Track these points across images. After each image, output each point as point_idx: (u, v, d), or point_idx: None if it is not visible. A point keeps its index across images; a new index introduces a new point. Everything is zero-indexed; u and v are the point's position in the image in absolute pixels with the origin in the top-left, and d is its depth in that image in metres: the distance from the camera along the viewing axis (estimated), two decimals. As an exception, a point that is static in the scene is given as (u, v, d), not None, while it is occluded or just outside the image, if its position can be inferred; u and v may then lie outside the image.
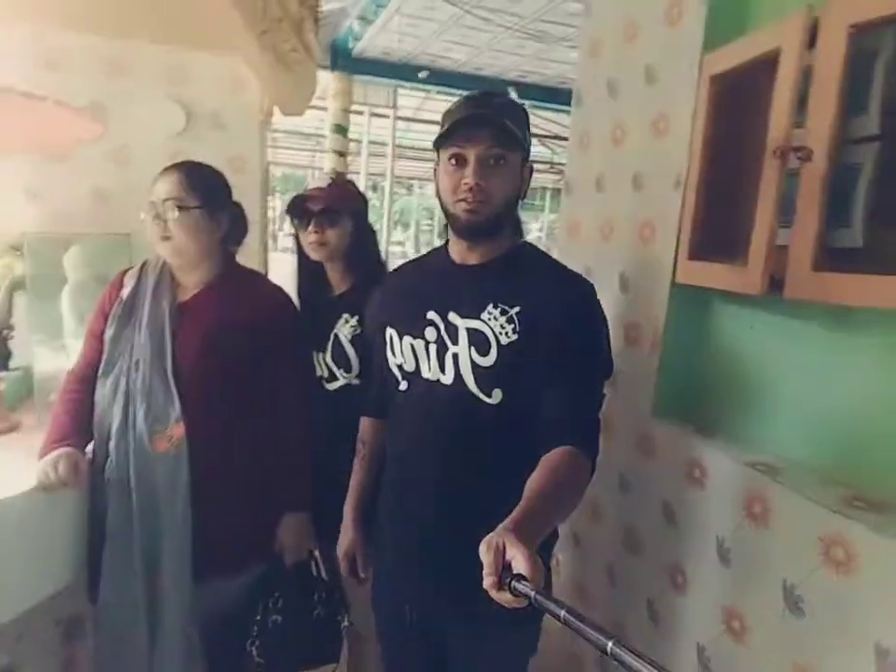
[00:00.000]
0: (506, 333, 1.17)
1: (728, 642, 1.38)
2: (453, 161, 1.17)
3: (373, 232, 1.84)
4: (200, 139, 2.39)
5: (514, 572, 0.79)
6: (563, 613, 0.73)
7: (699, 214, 1.54)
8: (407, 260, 1.52)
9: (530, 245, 1.34)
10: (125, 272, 1.63)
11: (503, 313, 1.18)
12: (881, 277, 1.09)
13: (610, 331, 1.26)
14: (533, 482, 1.02)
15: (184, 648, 1.49)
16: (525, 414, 1.17)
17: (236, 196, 1.63)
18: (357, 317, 1.67)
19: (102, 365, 1.53)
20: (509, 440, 1.20)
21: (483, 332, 1.18)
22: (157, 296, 1.54)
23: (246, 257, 1.74)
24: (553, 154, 13.02)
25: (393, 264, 1.67)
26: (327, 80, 8.28)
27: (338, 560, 1.52)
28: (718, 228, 1.51)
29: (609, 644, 0.67)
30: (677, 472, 1.56)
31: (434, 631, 1.36)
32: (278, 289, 1.66)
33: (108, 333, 1.54)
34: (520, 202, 1.25)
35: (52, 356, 1.98)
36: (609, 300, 1.25)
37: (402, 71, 9.15)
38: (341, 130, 8.74)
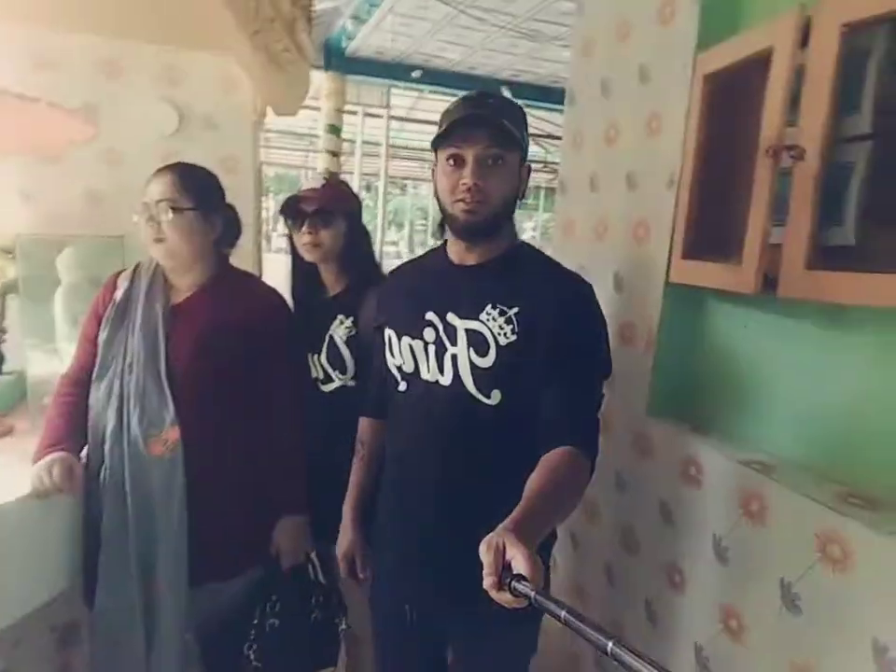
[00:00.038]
0: (504, 334, 1.17)
1: (726, 641, 1.38)
2: (451, 162, 1.17)
3: (367, 233, 1.84)
4: (192, 139, 2.38)
5: (514, 572, 0.79)
6: (563, 613, 0.73)
7: (693, 213, 1.54)
8: (405, 261, 1.52)
9: (528, 245, 1.34)
10: (118, 274, 1.62)
11: (502, 313, 1.18)
12: (874, 275, 1.09)
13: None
14: (533, 482, 1.02)
15: (180, 652, 1.49)
16: (523, 415, 1.17)
17: (229, 196, 1.62)
18: (351, 318, 1.66)
19: (96, 368, 1.53)
20: (508, 440, 1.20)
21: (481, 333, 1.18)
22: (150, 298, 1.53)
23: (240, 258, 1.73)
24: (546, 153, 13.04)
25: (387, 264, 1.66)
26: (320, 80, 8.27)
27: (335, 562, 1.52)
28: (711, 227, 1.51)
29: (610, 644, 0.67)
30: (673, 471, 1.56)
31: (434, 631, 1.36)
32: (272, 291, 1.66)
33: (102, 336, 1.54)
34: (518, 202, 1.25)
35: (45, 359, 1.96)
36: (603, 299, 1.25)
37: (396, 70, 9.15)
38: (334, 130, 8.73)
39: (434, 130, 1.24)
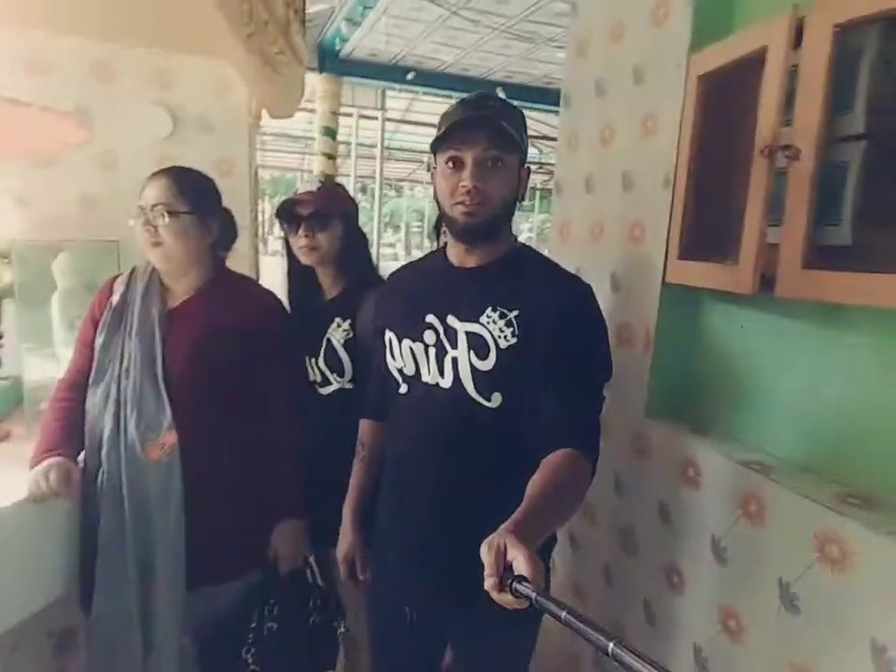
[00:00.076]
0: (505, 337, 1.17)
1: (724, 641, 1.38)
2: (450, 164, 1.17)
3: (364, 236, 1.84)
4: (187, 143, 2.37)
5: (515, 573, 0.79)
6: (564, 614, 0.73)
7: (688, 213, 1.54)
8: (405, 264, 1.52)
9: (528, 247, 1.34)
10: (114, 278, 1.62)
11: (502, 316, 1.18)
12: (870, 275, 1.09)
13: (607, 333, 1.25)
14: (534, 484, 1.02)
15: (178, 656, 1.48)
16: (523, 418, 1.17)
17: (225, 200, 1.62)
18: (349, 321, 1.66)
19: (92, 373, 1.52)
20: (508, 443, 1.20)
21: (482, 336, 1.18)
22: (146, 302, 1.53)
23: (237, 261, 1.73)
24: (541, 154, 13.05)
25: (384, 267, 1.66)
26: (314, 82, 8.27)
27: (333, 565, 1.51)
28: (707, 227, 1.51)
29: (611, 645, 0.67)
30: (671, 472, 1.56)
31: (433, 632, 1.37)
32: (269, 293, 1.66)
33: (98, 341, 1.53)
34: (518, 203, 1.25)
35: (42, 364, 1.95)
36: (600, 300, 1.25)
37: (390, 72, 9.15)
38: (329, 132, 8.73)
39: (429, 131, 1.25)
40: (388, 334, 1.32)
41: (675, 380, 1.68)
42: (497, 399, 1.18)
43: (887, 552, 1.03)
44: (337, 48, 8.42)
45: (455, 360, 1.21)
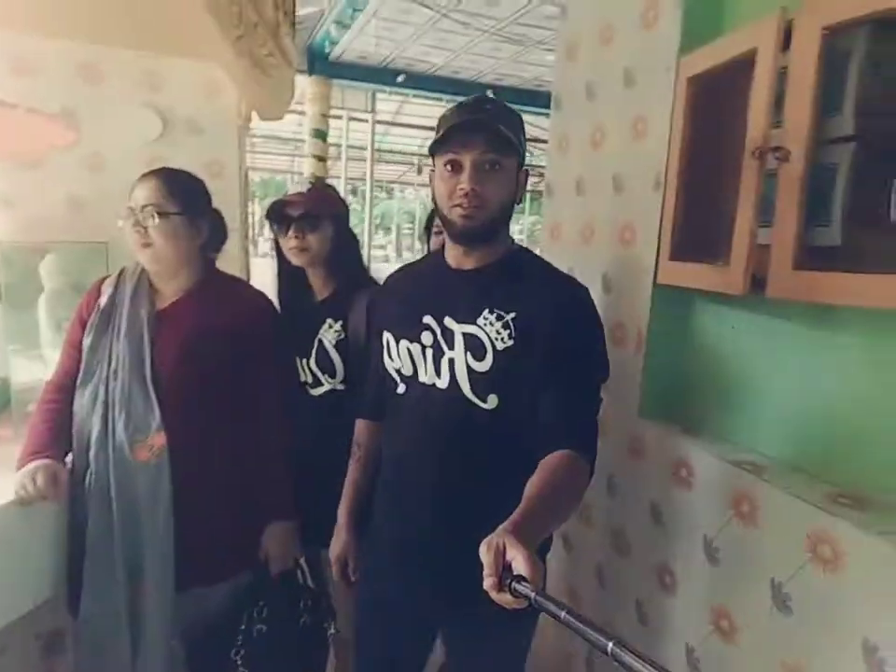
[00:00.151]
0: (502, 339, 1.17)
1: (717, 642, 1.39)
2: (448, 167, 1.17)
3: (355, 237, 1.83)
4: (177, 145, 2.36)
5: (514, 573, 0.79)
6: (563, 614, 0.73)
7: (679, 215, 1.55)
8: (403, 265, 1.53)
9: (525, 249, 1.34)
10: (102, 280, 1.61)
11: (499, 318, 1.18)
12: (860, 275, 1.10)
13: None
14: (532, 485, 1.02)
15: (166, 658, 1.47)
16: (520, 419, 1.17)
17: (215, 201, 1.61)
18: (340, 322, 1.66)
19: (80, 374, 1.51)
20: (505, 444, 1.20)
21: (478, 338, 1.19)
22: (135, 303, 1.52)
23: (227, 262, 1.73)
24: (531, 157, 13.10)
25: (375, 268, 1.66)
26: (304, 85, 8.26)
27: (324, 566, 1.51)
28: (698, 228, 1.52)
29: (610, 645, 0.67)
30: (664, 473, 1.57)
31: (425, 631, 1.37)
32: (259, 294, 1.65)
33: (86, 342, 1.52)
34: (515, 206, 1.25)
35: (29, 366, 1.94)
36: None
37: (380, 75, 9.16)
38: (320, 134, 8.72)
39: (419, 134, 1.25)
40: (386, 335, 1.33)
41: (667, 380, 1.68)
42: (493, 401, 1.18)
43: (878, 551, 1.03)
44: (326, 50, 8.42)
45: (451, 361, 1.21)
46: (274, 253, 1.76)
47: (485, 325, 1.18)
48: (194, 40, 2.01)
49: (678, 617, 1.53)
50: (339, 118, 9.51)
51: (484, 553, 0.82)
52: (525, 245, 1.37)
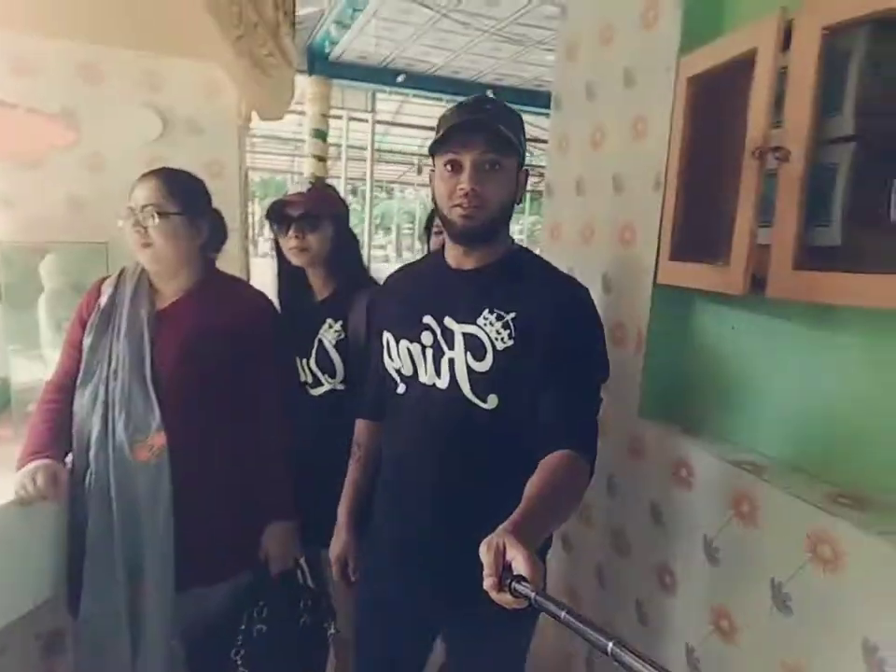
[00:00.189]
0: (502, 339, 1.17)
1: (717, 642, 1.39)
2: (448, 167, 1.17)
3: (355, 237, 1.83)
4: (177, 145, 2.36)
5: (514, 573, 0.79)
6: (563, 614, 0.72)
7: (679, 215, 1.55)
8: (403, 265, 1.53)
9: (525, 249, 1.34)
10: (102, 280, 1.61)
11: (499, 318, 1.18)
12: (860, 275, 1.10)
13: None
14: (532, 485, 1.02)
15: (166, 658, 1.47)
16: (520, 420, 1.17)
17: (215, 201, 1.61)
18: (340, 322, 1.65)
19: (80, 374, 1.51)
20: (504, 444, 1.20)
21: (478, 338, 1.18)
22: (135, 303, 1.52)
23: (227, 262, 1.73)
24: (531, 157, 13.10)
25: (375, 268, 1.66)
26: (304, 85, 8.26)
27: (324, 566, 1.50)
28: (698, 228, 1.52)
29: (610, 645, 0.67)
30: (664, 473, 1.57)
31: (425, 631, 1.37)
32: (259, 294, 1.65)
33: (86, 342, 1.52)
34: (515, 206, 1.25)
35: (29, 366, 1.94)
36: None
37: (380, 75, 9.16)
38: (320, 134, 8.72)
39: (419, 134, 1.25)
40: (386, 335, 1.33)
41: (667, 380, 1.68)
42: (493, 401, 1.18)
43: (878, 551, 1.03)
44: (326, 50, 8.42)
45: (451, 361, 1.21)
46: (274, 253, 1.76)
47: (485, 325, 1.18)
48: (194, 40, 2.01)
49: (678, 617, 1.53)
50: (339, 118, 9.51)
51: (484, 553, 0.82)
52: (524, 245, 1.36)
